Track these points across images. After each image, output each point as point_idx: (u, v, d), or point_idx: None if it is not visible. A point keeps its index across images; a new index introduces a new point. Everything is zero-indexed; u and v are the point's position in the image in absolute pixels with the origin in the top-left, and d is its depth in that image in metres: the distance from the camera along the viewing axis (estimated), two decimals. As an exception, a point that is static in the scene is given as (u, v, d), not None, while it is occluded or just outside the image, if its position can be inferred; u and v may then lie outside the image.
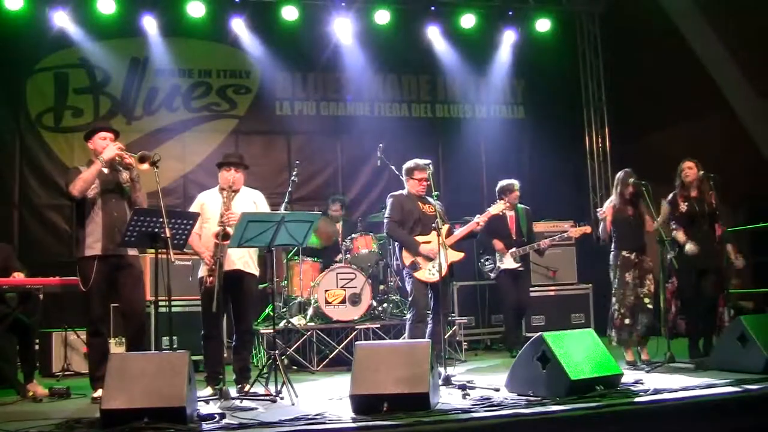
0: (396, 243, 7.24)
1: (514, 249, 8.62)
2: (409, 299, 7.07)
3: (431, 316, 6.97)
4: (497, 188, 8.80)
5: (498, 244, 8.66)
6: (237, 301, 6.26)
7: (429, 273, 6.88)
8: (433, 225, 6.69)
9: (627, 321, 7.18)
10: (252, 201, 6.41)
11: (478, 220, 7.20)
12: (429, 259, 6.88)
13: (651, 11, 10.16)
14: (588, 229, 8.67)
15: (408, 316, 7.07)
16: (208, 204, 6.31)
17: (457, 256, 7.07)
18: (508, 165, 11.02)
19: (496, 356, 9.01)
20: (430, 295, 6.99)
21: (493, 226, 8.29)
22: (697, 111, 10.33)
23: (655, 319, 7.36)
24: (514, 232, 8.74)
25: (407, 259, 6.99)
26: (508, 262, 8.61)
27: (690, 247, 7.32)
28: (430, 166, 7.03)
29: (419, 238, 6.98)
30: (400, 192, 7.27)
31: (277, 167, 10.69)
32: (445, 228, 6.99)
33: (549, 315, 9.53)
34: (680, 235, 7.42)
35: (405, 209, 7.07)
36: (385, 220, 7.16)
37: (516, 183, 8.78)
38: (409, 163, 7.24)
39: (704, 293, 7.37)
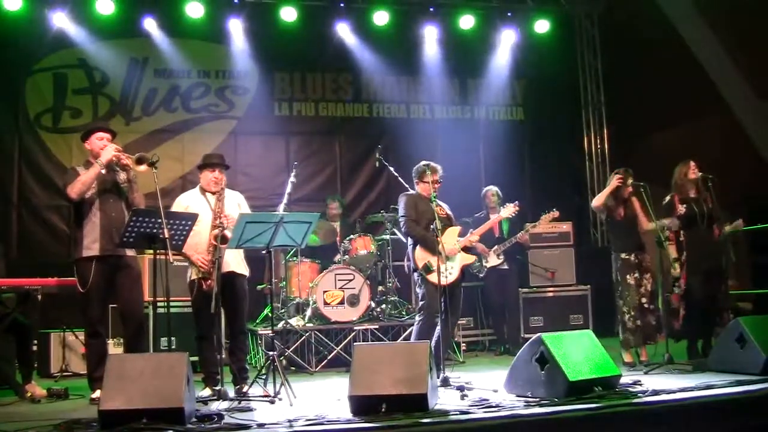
0: (411, 244, 6.98)
1: (496, 246, 8.91)
2: (421, 302, 6.96)
3: (441, 318, 6.92)
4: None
5: (479, 246, 8.88)
6: (231, 302, 6.25)
7: (442, 276, 6.68)
8: (432, 227, 6.64)
9: (638, 322, 7.19)
10: (236, 203, 6.40)
11: (505, 214, 7.71)
12: (445, 259, 6.73)
13: (649, 12, 10.16)
14: (556, 213, 8.67)
15: (417, 318, 6.94)
16: (193, 206, 6.26)
17: (469, 259, 7.06)
18: (506, 166, 11.02)
19: (494, 357, 9.01)
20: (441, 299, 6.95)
21: (477, 228, 8.44)
22: (696, 112, 10.33)
23: (656, 319, 7.37)
24: (497, 232, 9.00)
25: (421, 260, 6.80)
26: (492, 260, 8.96)
27: (674, 271, 7.37)
28: (429, 166, 6.94)
29: None
30: (412, 192, 7.14)
31: (275, 168, 10.67)
32: (456, 230, 6.99)
33: (547, 316, 9.54)
34: (672, 251, 7.46)
35: (419, 209, 6.90)
36: (402, 219, 6.98)
37: (489, 187, 9.13)
38: (420, 166, 7.08)
39: (703, 294, 7.36)
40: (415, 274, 6.98)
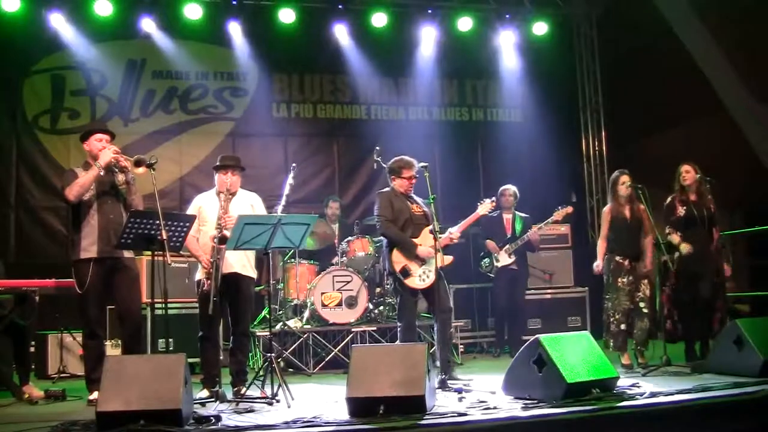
0: (386, 246, 6.87)
1: (507, 245, 8.78)
2: (398, 308, 6.96)
3: (433, 318, 6.89)
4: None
5: (490, 244, 8.89)
6: (234, 303, 6.24)
7: (419, 280, 6.68)
8: (430, 228, 6.59)
9: (622, 326, 7.18)
10: (249, 204, 6.39)
11: (483, 211, 7.25)
12: (422, 262, 6.70)
13: (647, 14, 10.17)
14: (570, 209, 8.59)
15: (399, 325, 6.90)
16: (205, 207, 6.29)
17: (446, 260, 6.86)
18: (504, 168, 11.01)
19: (492, 359, 9.02)
20: (418, 301, 6.89)
21: (490, 227, 8.41)
22: (694, 114, 10.34)
23: (652, 323, 7.36)
24: (510, 232, 8.92)
25: (398, 264, 6.69)
26: (503, 259, 8.81)
27: (685, 247, 7.33)
28: (426, 167, 6.71)
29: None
30: (387, 189, 6.96)
31: (273, 170, 10.65)
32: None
33: (545, 318, 9.53)
34: (674, 238, 7.42)
35: (395, 207, 6.76)
36: (378, 219, 6.83)
37: (508, 187, 9.00)
38: (396, 161, 6.93)
39: (701, 296, 7.36)
40: (389, 278, 6.90)
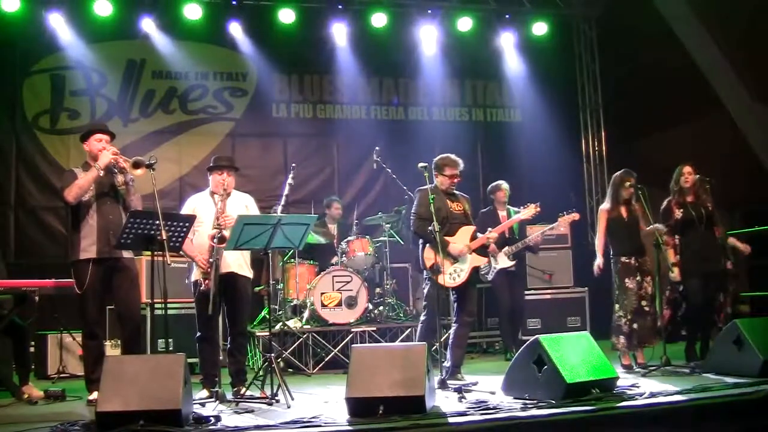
0: (421, 243, 6.86)
1: (507, 247, 8.49)
2: (425, 302, 6.92)
3: (454, 319, 6.90)
4: (488, 189, 8.92)
5: (491, 246, 8.63)
6: (231, 303, 6.24)
7: (450, 278, 6.66)
8: (430, 228, 6.48)
9: (635, 326, 7.11)
10: (244, 205, 6.39)
11: (525, 216, 7.60)
12: (454, 261, 6.72)
13: (647, 14, 10.17)
14: (576, 215, 8.33)
15: (422, 318, 6.90)
16: (199, 208, 6.27)
17: (480, 260, 6.95)
18: (504, 168, 11.00)
19: (492, 359, 9.01)
20: (452, 299, 6.90)
21: (485, 226, 8.34)
22: (694, 114, 10.34)
23: (655, 322, 7.34)
24: (507, 231, 8.54)
25: (429, 260, 6.69)
26: (503, 261, 8.47)
27: (673, 275, 7.37)
28: (426, 167, 6.73)
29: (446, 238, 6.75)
30: (428, 186, 6.84)
31: (273, 170, 10.68)
32: (470, 229, 6.92)
33: (545, 318, 9.50)
34: (670, 255, 7.41)
35: (434, 205, 6.69)
36: (412, 217, 6.90)
37: (502, 183, 8.82)
38: (441, 158, 7.00)
39: (702, 297, 7.34)
40: (424, 272, 6.94)
